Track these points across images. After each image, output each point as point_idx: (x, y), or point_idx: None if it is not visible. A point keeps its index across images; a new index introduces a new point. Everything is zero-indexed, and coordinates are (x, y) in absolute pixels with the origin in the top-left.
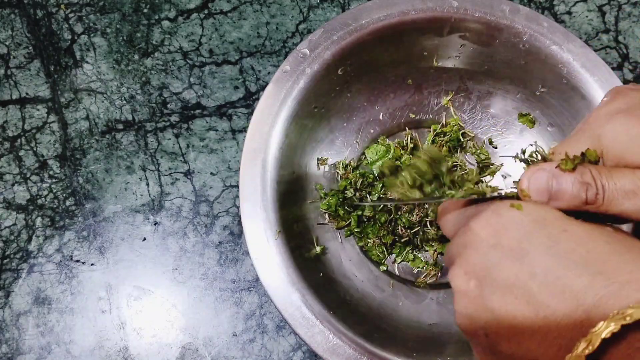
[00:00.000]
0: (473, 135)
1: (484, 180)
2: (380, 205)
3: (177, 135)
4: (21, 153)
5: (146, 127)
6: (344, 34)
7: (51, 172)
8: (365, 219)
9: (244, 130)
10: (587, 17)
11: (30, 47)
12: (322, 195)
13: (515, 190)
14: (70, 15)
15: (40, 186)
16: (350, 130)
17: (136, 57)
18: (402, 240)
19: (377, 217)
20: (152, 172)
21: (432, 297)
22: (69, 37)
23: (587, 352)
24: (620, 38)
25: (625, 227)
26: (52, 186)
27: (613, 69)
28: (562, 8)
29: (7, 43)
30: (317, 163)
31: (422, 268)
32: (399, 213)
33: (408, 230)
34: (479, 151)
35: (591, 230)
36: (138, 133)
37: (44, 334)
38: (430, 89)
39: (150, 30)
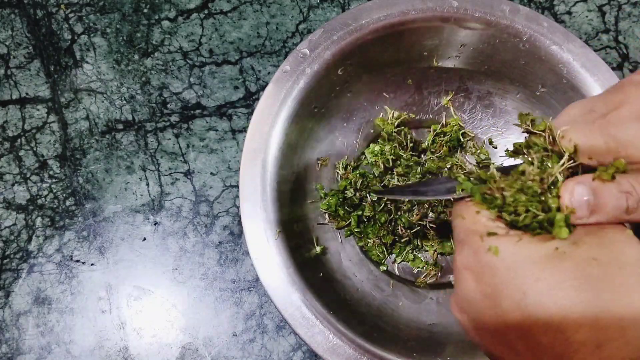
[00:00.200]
0: (473, 135)
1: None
2: (380, 206)
3: (177, 135)
4: (21, 153)
5: (146, 127)
6: (344, 34)
7: (51, 172)
8: (365, 219)
9: (244, 130)
10: (587, 17)
11: (30, 47)
12: (322, 195)
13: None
14: (70, 15)
15: (40, 186)
16: (350, 130)
17: (136, 57)
18: (402, 240)
19: (377, 217)
20: (152, 172)
21: (432, 297)
22: (69, 37)
23: None
24: (620, 38)
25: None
26: (52, 186)
27: (613, 69)
28: (562, 8)
29: (7, 43)
30: (317, 163)
31: (422, 268)
32: (399, 213)
33: (408, 230)
34: (479, 151)
35: (566, 274)
36: (138, 133)
37: (44, 334)
38: (430, 89)
39: (150, 30)
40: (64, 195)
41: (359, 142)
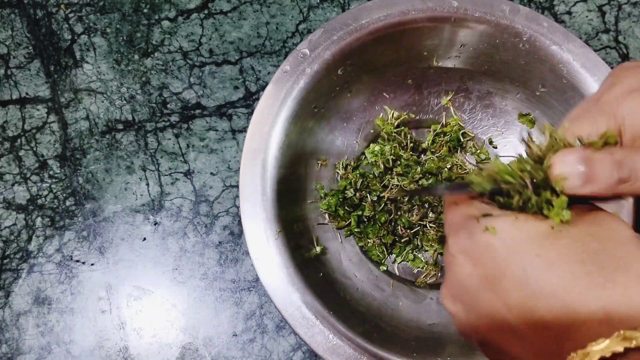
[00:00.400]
0: (473, 135)
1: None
2: (380, 206)
3: (177, 135)
4: (21, 153)
5: (146, 127)
6: (344, 34)
7: (51, 172)
8: (365, 219)
9: (244, 130)
10: (587, 17)
11: (30, 47)
12: (322, 195)
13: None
14: (70, 15)
15: (40, 186)
16: (350, 130)
17: (136, 57)
18: (402, 240)
19: (377, 217)
20: (152, 172)
21: (432, 297)
22: (69, 37)
23: None
24: (620, 38)
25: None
26: (52, 186)
27: (613, 69)
28: (562, 8)
29: (7, 43)
30: (317, 163)
31: (422, 268)
32: (399, 213)
33: (408, 230)
34: (479, 151)
35: (565, 248)
36: (138, 133)
37: (44, 334)
38: (430, 89)
39: (150, 30)
40: (64, 195)
41: (359, 142)
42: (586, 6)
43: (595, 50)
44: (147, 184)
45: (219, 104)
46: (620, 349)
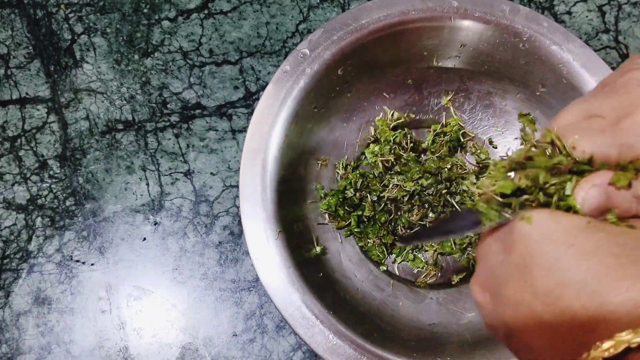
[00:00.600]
0: (473, 135)
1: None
2: (380, 206)
3: (177, 135)
4: (21, 153)
5: (146, 127)
6: (344, 34)
7: (51, 172)
8: (365, 219)
9: (244, 130)
10: (587, 17)
11: (30, 47)
12: (322, 195)
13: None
14: (70, 15)
15: (40, 186)
16: (350, 130)
17: (136, 57)
18: None
19: (377, 217)
20: (152, 172)
21: (432, 297)
22: (69, 37)
23: (606, 354)
24: (620, 38)
25: None
26: (52, 186)
27: (613, 69)
28: (562, 8)
29: (7, 43)
30: (317, 163)
31: (422, 268)
32: (399, 213)
33: (408, 231)
34: (479, 151)
35: (600, 242)
36: (138, 133)
37: (44, 334)
38: (430, 89)
39: (150, 30)
40: (64, 195)
41: (359, 142)
42: (586, 6)
43: (595, 50)
44: (147, 184)
45: (219, 104)
46: None
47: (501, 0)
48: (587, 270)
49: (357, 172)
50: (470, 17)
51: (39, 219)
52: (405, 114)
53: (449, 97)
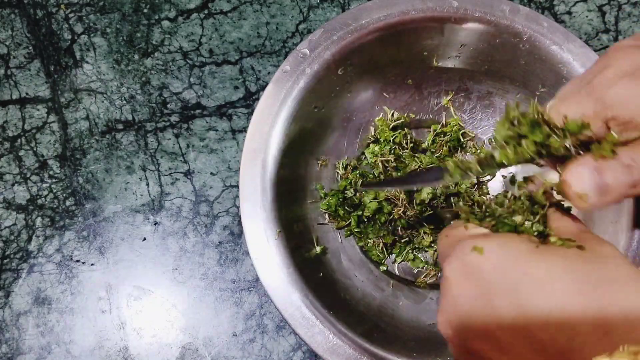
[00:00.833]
0: (473, 135)
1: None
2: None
3: (177, 135)
4: (21, 153)
5: (146, 127)
6: (344, 34)
7: (51, 172)
8: (365, 219)
9: (244, 130)
10: (587, 17)
11: (30, 47)
12: (322, 195)
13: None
14: (70, 15)
15: (40, 186)
16: (350, 130)
17: (136, 57)
18: (402, 241)
19: (377, 217)
20: (152, 172)
21: (432, 297)
22: (69, 37)
23: None
24: (620, 38)
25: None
26: (52, 186)
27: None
28: (562, 8)
29: (7, 43)
30: (317, 163)
31: (422, 268)
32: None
33: (408, 231)
34: (479, 151)
35: (553, 266)
36: (138, 133)
37: (44, 334)
38: (430, 89)
39: (150, 30)
40: (64, 195)
41: (359, 142)
42: (586, 6)
43: (595, 50)
44: (147, 184)
45: (219, 104)
46: None
47: (501, 0)
48: (548, 297)
49: (357, 172)
50: (470, 17)
51: (39, 219)
52: (405, 114)
53: (449, 97)
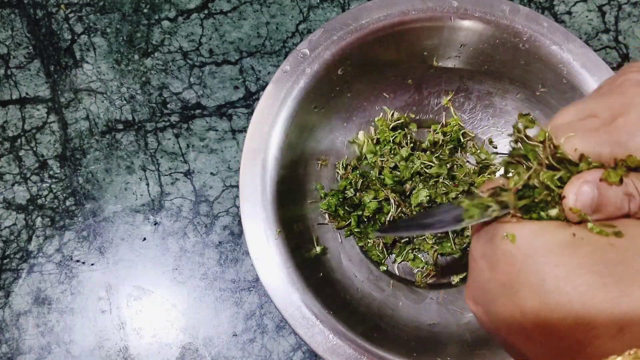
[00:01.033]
0: (473, 135)
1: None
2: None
3: (177, 135)
4: (21, 153)
5: (146, 127)
6: (344, 34)
7: (51, 172)
8: (365, 219)
9: (244, 130)
10: (587, 17)
11: (30, 47)
12: (322, 195)
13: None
14: (70, 15)
15: (40, 186)
16: (350, 130)
17: (136, 57)
18: (402, 241)
19: (377, 217)
20: (152, 172)
21: (432, 297)
22: (69, 37)
23: None
24: (620, 38)
25: None
26: (52, 186)
27: (613, 69)
28: (562, 8)
29: (7, 43)
30: (317, 163)
31: (422, 268)
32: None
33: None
34: (479, 151)
35: (584, 259)
36: (138, 133)
37: (44, 334)
38: (430, 89)
39: (150, 30)
40: (64, 195)
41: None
42: (586, 6)
43: (595, 50)
44: (147, 184)
45: (219, 104)
46: None
47: (501, 0)
48: (571, 292)
49: (357, 172)
50: (470, 17)
51: (39, 219)
52: (405, 114)
53: (449, 97)
